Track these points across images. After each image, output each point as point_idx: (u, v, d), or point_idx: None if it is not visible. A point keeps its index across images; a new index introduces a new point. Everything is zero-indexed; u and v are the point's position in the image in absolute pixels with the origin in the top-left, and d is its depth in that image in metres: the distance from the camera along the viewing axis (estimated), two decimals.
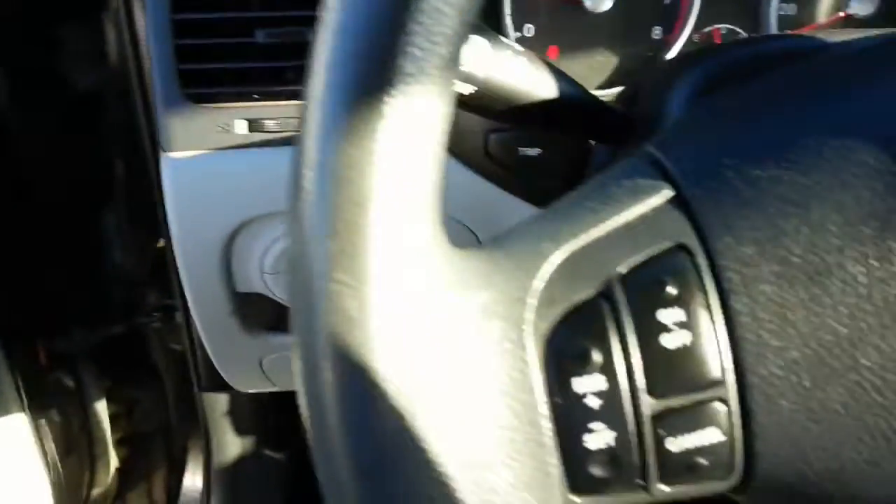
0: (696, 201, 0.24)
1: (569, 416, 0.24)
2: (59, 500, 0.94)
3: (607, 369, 0.23)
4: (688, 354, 0.23)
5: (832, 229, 0.23)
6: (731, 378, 0.24)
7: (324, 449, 0.23)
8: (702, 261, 0.24)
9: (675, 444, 0.24)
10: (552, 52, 0.62)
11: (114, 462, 1.07)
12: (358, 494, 0.22)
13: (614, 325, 0.24)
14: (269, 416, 0.99)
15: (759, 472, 0.24)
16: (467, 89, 0.34)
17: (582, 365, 0.23)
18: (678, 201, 0.25)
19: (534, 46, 0.61)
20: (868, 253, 0.23)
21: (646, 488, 0.25)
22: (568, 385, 0.24)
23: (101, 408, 1.01)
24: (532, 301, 0.24)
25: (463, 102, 0.35)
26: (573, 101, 0.39)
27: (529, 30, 0.55)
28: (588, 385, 0.23)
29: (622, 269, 0.24)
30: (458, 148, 0.57)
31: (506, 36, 0.53)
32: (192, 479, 1.09)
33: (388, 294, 0.21)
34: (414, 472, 0.22)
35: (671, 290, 0.24)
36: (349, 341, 0.21)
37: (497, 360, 0.23)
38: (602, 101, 0.41)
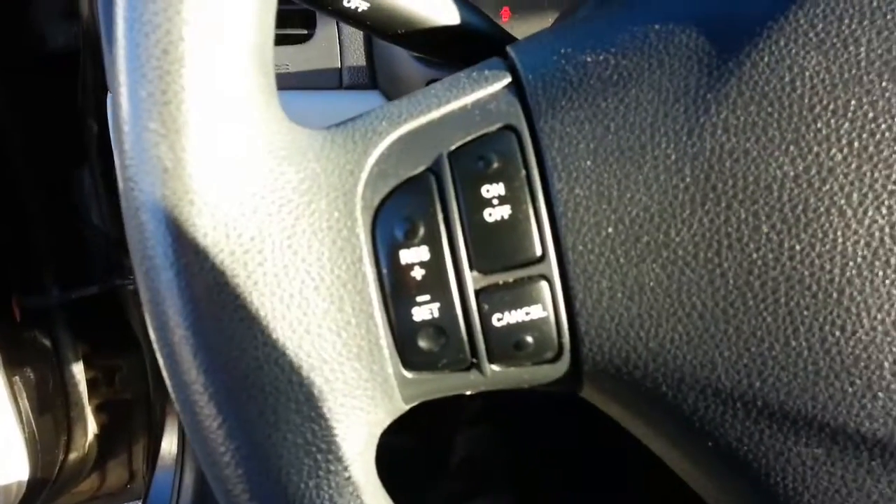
0: (529, 86, 0.25)
1: (397, 288, 0.24)
2: (34, 457, 0.96)
3: (432, 240, 0.24)
4: (509, 230, 0.24)
5: (647, 107, 0.24)
6: (552, 255, 0.24)
7: (152, 311, 0.23)
8: (527, 139, 0.24)
9: (500, 320, 0.25)
10: (504, 14, 0.63)
11: (92, 428, 1.09)
12: (185, 354, 0.23)
13: (440, 198, 0.24)
14: None
15: (587, 356, 0.25)
16: (362, 5, 0.35)
17: (409, 237, 0.24)
18: (514, 87, 0.26)
19: (486, 6, 0.62)
20: (679, 130, 0.23)
21: (478, 367, 0.25)
22: (396, 257, 0.24)
23: (78, 370, 1.03)
24: (363, 175, 0.25)
25: (360, 21, 0.36)
26: (479, 32, 0.39)
27: None
28: (414, 256, 0.24)
29: (453, 147, 0.25)
30: (397, 96, 0.58)
31: None
32: (170, 445, 1.11)
33: (205, 147, 0.22)
34: (239, 334, 0.23)
35: (496, 166, 0.24)
36: (165, 193, 0.22)
37: (324, 229, 0.24)
38: (512, 36, 0.41)
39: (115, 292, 0.99)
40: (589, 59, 0.25)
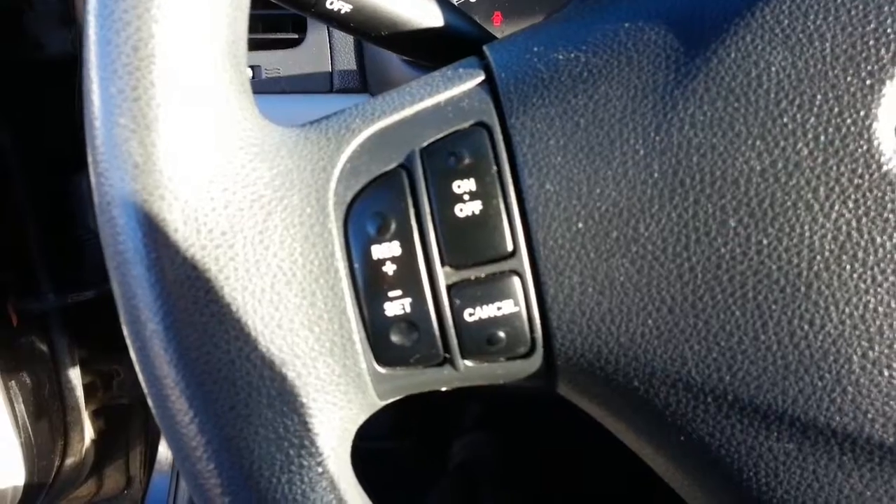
0: (501, 83, 0.25)
1: (369, 283, 0.24)
2: (30, 463, 0.96)
3: (403, 236, 0.24)
4: (480, 225, 0.24)
5: (616, 104, 0.24)
6: (523, 251, 0.24)
7: (124, 305, 0.24)
8: (499, 137, 0.25)
9: (472, 315, 0.25)
10: (496, 19, 0.63)
11: (89, 433, 1.09)
12: (156, 349, 0.23)
13: (411, 194, 0.24)
14: None
15: (560, 351, 0.25)
16: (345, 7, 0.35)
17: (381, 232, 0.24)
18: (487, 85, 0.26)
19: (478, 11, 0.62)
20: (648, 125, 0.23)
21: (451, 362, 0.25)
22: (368, 252, 0.24)
23: (75, 375, 1.03)
24: (336, 171, 0.25)
25: (344, 24, 0.36)
26: (463, 33, 0.39)
27: None
28: (386, 251, 0.24)
29: (425, 144, 0.25)
30: None
31: None
32: (167, 450, 1.11)
33: (176, 142, 0.22)
34: (211, 328, 0.23)
35: (467, 162, 0.24)
36: (136, 188, 0.22)
37: (296, 224, 0.24)
38: (496, 38, 0.42)
39: (113, 297, 0.99)
40: (560, 57, 0.25)
